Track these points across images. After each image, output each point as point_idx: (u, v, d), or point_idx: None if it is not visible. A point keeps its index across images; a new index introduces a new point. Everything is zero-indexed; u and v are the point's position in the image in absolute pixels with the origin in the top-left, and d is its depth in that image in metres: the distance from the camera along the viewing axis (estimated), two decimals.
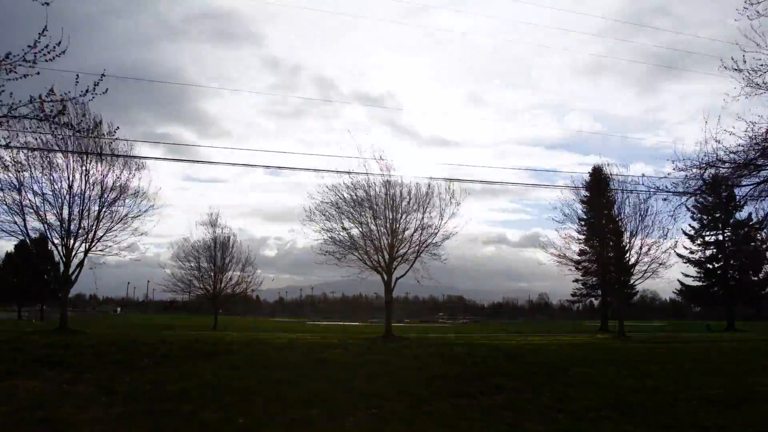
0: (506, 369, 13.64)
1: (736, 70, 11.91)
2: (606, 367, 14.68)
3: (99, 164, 27.66)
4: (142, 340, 22.12)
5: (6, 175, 26.14)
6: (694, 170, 13.38)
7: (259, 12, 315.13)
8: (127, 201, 28.94)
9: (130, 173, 28.47)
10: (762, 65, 11.73)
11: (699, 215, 48.63)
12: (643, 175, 14.62)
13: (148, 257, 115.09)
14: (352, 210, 29.52)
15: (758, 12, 11.09)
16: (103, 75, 10.32)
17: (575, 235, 42.60)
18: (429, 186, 29.36)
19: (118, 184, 28.26)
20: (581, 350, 20.94)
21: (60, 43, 9.05)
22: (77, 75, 9.89)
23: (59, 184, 27.30)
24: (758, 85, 11.93)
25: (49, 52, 8.96)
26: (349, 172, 28.34)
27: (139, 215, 29.34)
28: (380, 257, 29.73)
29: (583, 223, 43.84)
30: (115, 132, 25.91)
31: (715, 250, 49.43)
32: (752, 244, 47.55)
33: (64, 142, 26.00)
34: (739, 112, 12.40)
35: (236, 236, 44.61)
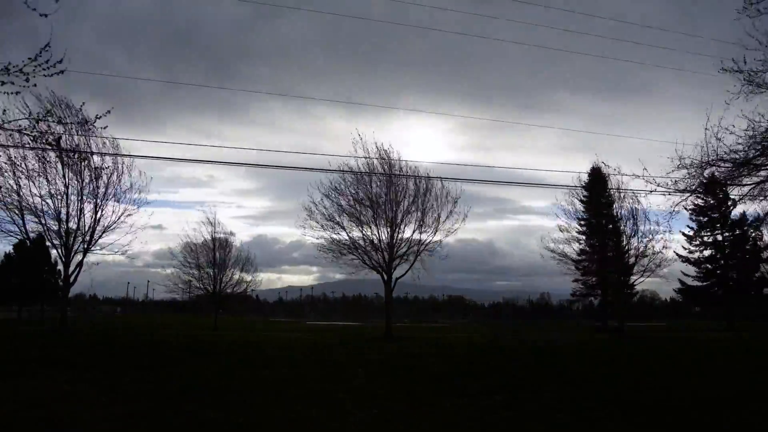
0: (506, 369, 13.65)
1: (737, 71, 11.84)
2: (605, 366, 14.69)
3: (92, 163, 27.86)
4: (142, 340, 22.15)
5: (5, 177, 26.22)
6: (694, 169, 13.32)
7: None
8: (121, 199, 29.11)
9: (120, 171, 28.70)
10: (763, 65, 11.67)
11: (697, 215, 48.63)
12: (645, 170, 14.43)
13: (148, 257, 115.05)
14: (353, 209, 29.58)
15: (759, 10, 11.02)
16: (108, 111, 10.26)
17: (575, 235, 42.57)
18: (428, 185, 29.46)
19: (110, 180, 28.49)
20: (581, 350, 20.96)
21: (61, 61, 8.98)
22: (83, 103, 9.84)
23: (55, 185, 27.41)
24: (759, 84, 11.89)
25: (48, 68, 8.89)
26: (351, 172, 28.43)
27: (133, 213, 29.49)
28: (380, 257, 29.76)
29: (582, 222, 43.86)
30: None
31: (713, 250, 49.40)
32: (757, 243, 47.48)
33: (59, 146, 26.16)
34: (739, 110, 12.31)
35: (234, 235, 44.78)
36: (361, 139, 29.03)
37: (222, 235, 42.79)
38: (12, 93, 8.67)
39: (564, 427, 7.08)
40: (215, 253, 42.04)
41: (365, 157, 28.94)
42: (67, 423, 6.98)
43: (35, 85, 8.87)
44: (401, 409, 8.03)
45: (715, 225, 48.48)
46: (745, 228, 46.93)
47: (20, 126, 9.38)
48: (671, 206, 14.64)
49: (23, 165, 26.42)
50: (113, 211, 28.99)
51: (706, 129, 12.66)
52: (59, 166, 27.25)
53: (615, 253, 38.71)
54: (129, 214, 29.34)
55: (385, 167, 29.11)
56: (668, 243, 36.31)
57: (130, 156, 27.52)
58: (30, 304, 60.36)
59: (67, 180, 27.59)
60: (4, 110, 9.07)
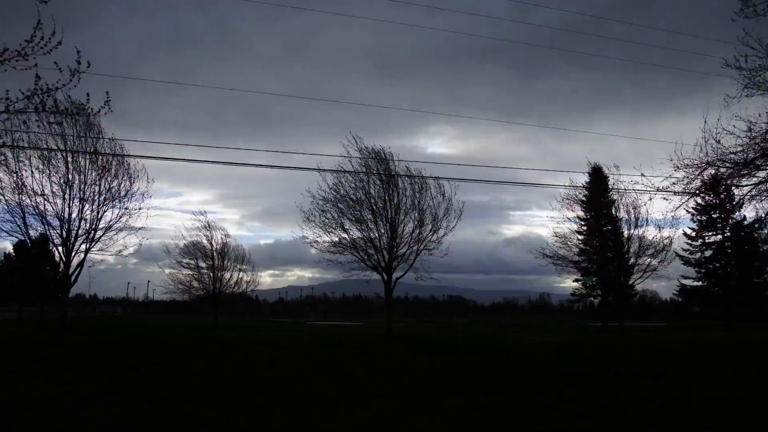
0: (506, 369, 13.66)
1: (738, 68, 11.82)
2: (606, 366, 14.71)
3: (96, 164, 27.80)
4: (141, 341, 22.19)
5: (6, 175, 26.19)
6: (693, 170, 13.32)
7: None
8: (125, 201, 29.01)
9: (126, 173, 28.63)
10: (761, 64, 11.67)
11: (698, 216, 48.59)
12: (642, 175, 14.50)
13: (149, 257, 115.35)
14: (352, 210, 29.54)
15: (756, 12, 11.03)
16: (78, 59, 9.87)
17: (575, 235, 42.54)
18: (426, 185, 29.45)
19: (114, 183, 28.44)
20: (581, 350, 20.97)
21: (54, 33, 8.88)
22: (56, 62, 9.51)
23: (58, 185, 27.36)
24: (758, 84, 11.89)
25: (45, 45, 8.78)
26: (351, 172, 28.40)
27: (137, 214, 29.43)
28: (380, 257, 29.74)
29: (582, 223, 43.82)
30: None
31: (714, 250, 49.36)
32: (756, 242, 47.44)
33: (63, 142, 26.21)
34: (739, 111, 12.31)
35: (230, 236, 44.81)
36: (355, 141, 29.01)
37: (221, 238, 42.72)
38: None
39: (564, 428, 7.08)
40: (213, 254, 42.00)
41: (360, 158, 28.96)
42: (67, 423, 6.98)
43: (35, 65, 8.76)
44: (401, 409, 8.02)
45: (716, 225, 48.46)
46: (748, 229, 46.94)
47: (24, 107, 9.27)
48: (672, 209, 14.70)
49: (26, 162, 26.36)
50: (115, 213, 28.93)
51: (704, 130, 12.68)
52: (62, 165, 27.15)
53: (615, 253, 38.69)
54: (130, 216, 29.25)
55: (381, 167, 29.08)
56: (669, 247, 36.28)
57: (134, 156, 27.47)
58: (30, 305, 60.42)
59: (70, 180, 27.53)
60: (8, 90, 8.99)
